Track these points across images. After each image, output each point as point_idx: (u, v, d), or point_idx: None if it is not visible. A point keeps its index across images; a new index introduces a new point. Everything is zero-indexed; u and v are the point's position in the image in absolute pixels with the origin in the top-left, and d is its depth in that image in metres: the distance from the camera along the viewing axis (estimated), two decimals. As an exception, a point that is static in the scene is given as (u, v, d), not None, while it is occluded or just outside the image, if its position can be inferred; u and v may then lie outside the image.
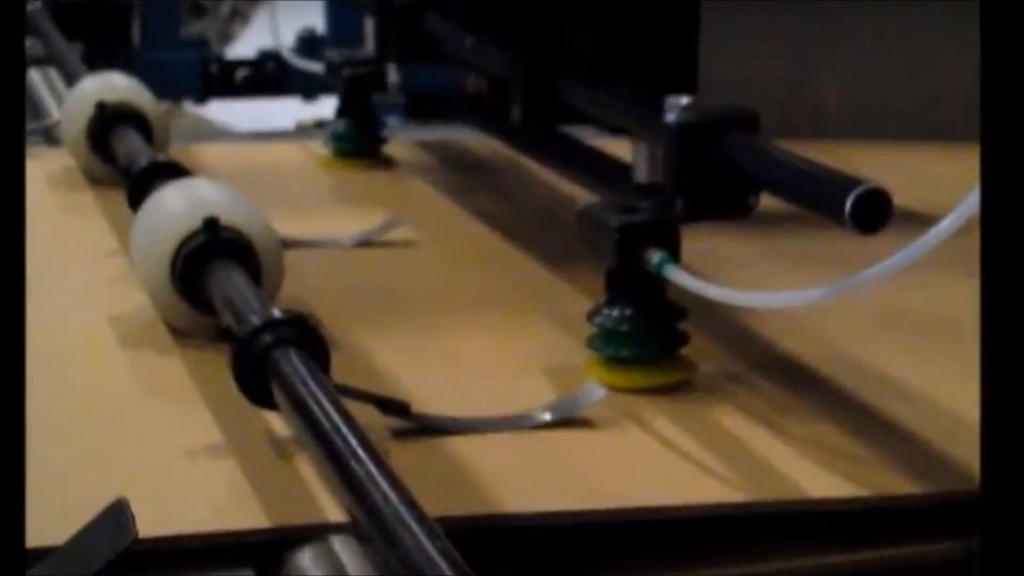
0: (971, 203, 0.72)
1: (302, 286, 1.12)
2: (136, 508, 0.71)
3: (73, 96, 1.47)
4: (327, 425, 0.76)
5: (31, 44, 2.02)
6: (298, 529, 0.77)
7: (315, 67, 1.81)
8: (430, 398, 0.93)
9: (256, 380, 0.86)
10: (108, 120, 1.42)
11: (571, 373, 0.98)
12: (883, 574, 0.83)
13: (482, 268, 1.25)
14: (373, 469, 0.71)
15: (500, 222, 1.35)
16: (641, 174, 1.00)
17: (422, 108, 2.39)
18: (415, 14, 1.48)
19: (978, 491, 0.64)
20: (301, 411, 0.80)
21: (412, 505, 0.67)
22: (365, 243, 1.28)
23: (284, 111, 2.87)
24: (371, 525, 0.68)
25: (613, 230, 0.94)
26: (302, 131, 2.39)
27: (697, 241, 1.00)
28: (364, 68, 1.56)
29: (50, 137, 1.67)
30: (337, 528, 0.76)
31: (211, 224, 1.02)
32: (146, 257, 1.04)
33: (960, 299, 1.01)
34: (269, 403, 0.85)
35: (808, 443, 0.89)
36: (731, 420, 0.93)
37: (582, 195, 1.17)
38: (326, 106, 2.74)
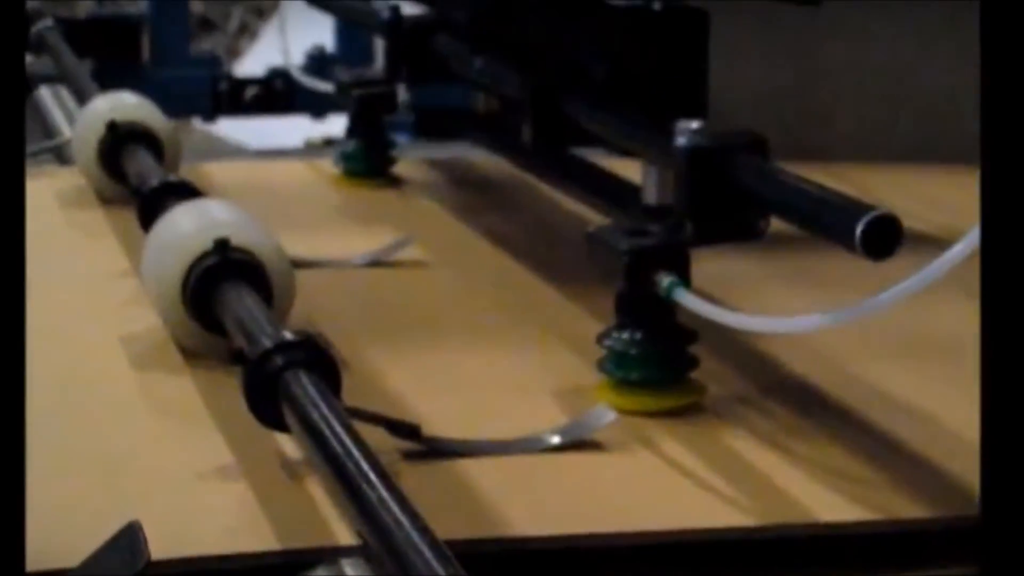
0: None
1: (312, 306, 1.12)
2: (148, 530, 0.72)
3: (84, 115, 1.48)
4: (338, 448, 0.77)
5: (42, 62, 2.03)
6: (309, 552, 0.77)
7: (324, 86, 1.81)
8: (440, 420, 0.93)
9: (267, 402, 0.86)
10: (119, 139, 1.42)
11: (581, 395, 0.98)
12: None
13: (492, 288, 1.25)
14: (384, 493, 0.71)
15: (510, 242, 1.36)
16: (650, 196, 1.01)
17: (432, 126, 2.40)
18: (425, 35, 1.48)
19: (977, 517, 0.64)
20: (312, 433, 0.80)
21: (424, 530, 0.67)
22: (375, 263, 1.28)
23: (293, 129, 2.88)
24: (382, 548, 0.68)
25: (623, 254, 0.95)
26: (311, 149, 2.40)
27: (707, 262, 1.00)
28: (374, 88, 1.56)
29: (61, 156, 1.67)
30: (348, 551, 0.76)
31: (222, 245, 1.02)
32: (157, 278, 1.05)
33: (973, 320, 1.01)
34: (280, 425, 0.85)
35: (817, 466, 0.89)
36: (741, 443, 0.93)
37: (591, 215, 1.17)
38: (335, 124, 2.75)
